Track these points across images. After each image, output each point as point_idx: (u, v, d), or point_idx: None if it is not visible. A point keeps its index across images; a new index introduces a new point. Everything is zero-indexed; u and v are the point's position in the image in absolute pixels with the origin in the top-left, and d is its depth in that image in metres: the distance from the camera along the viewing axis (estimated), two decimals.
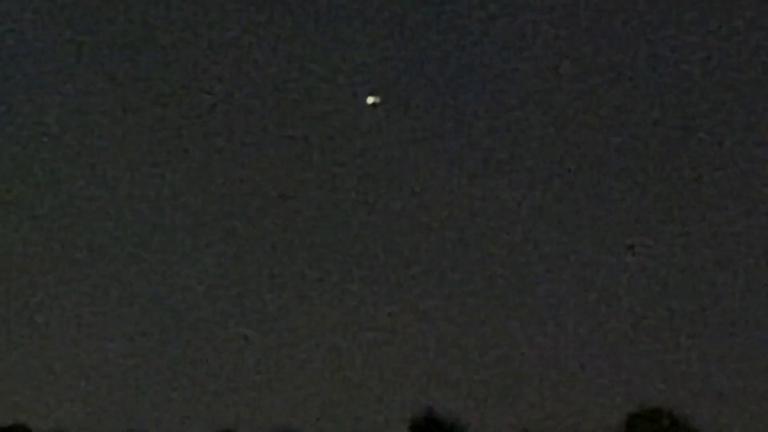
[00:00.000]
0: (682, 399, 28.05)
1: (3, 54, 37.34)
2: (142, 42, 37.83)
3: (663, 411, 27.38)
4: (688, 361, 31.07)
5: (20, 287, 34.13)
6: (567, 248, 34.60)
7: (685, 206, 34.95)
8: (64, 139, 37.05)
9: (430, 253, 34.94)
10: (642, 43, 36.90)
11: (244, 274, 34.96)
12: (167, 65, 37.56)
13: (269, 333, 33.25)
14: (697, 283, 33.27)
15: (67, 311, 33.74)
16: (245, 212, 36.12)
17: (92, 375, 31.98)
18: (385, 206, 35.64)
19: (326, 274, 34.48)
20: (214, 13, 37.63)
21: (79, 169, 36.66)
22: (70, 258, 35.05)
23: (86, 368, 32.17)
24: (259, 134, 37.03)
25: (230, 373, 32.08)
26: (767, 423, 28.46)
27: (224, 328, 33.36)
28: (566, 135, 36.38)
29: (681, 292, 33.22)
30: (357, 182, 36.00)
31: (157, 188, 36.29)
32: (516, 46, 37.15)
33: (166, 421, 29.64)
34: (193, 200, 36.37)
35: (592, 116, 36.48)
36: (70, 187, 36.34)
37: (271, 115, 37.05)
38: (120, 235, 35.54)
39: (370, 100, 34.98)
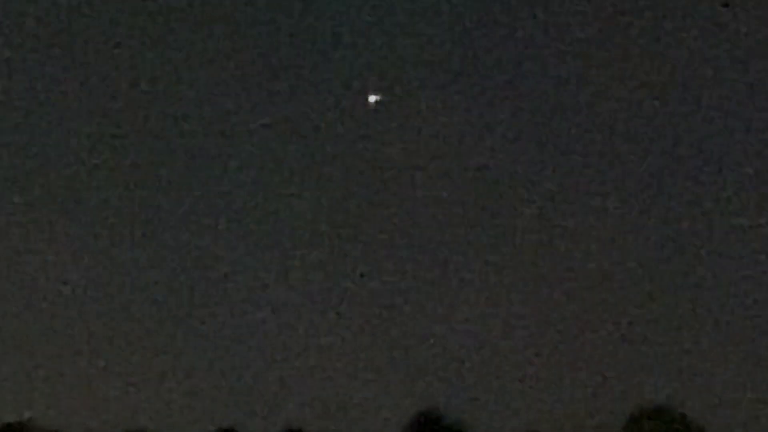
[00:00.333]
0: (686, 398, 28.06)
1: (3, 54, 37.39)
2: (141, 42, 37.87)
3: (667, 410, 27.39)
4: (691, 360, 31.11)
5: (21, 286, 34.18)
6: (568, 248, 34.66)
7: (685, 207, 35.05)
8: (64, 138, 37.09)
9: (431, 252, 35.00)
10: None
11: (245, 273, 35.00)
12: (163, 64, 37.62)
13: (270, 332, 33.29)
14: (699, 280, 33.37)
15: (67, 310, 33.77)
16: (247, 210, 36.16)
17: (92, 374, 31.98)
18: (387, 204, 35.69)
19: (327, 272, 34.53)
20: (215, 13, 37.68)
21: (81, 167, 36.71)
22: (71, 256, 35.06)
23: (86, 367, 32.18)
24: (260, 133, 37.11)
25: (231, 371, 32.10)
26: None
27: (225, 327, 33.41)
28: (571, 133, 36.47)
29: (682, 291, 33.28)
30: (358, 181, 36.06)
31: (155, 186, 36.33)
32: (521, 45, 37.25)
33: (166, 420, 29.63)
34: (194, 199, 36.39)
35: (596, 115, 36.57)
36: (72, 184, 36.38)
37: (271, 114, 37.11)
38: (120, 234, 35.55)
39: (372, 98, 35.07)
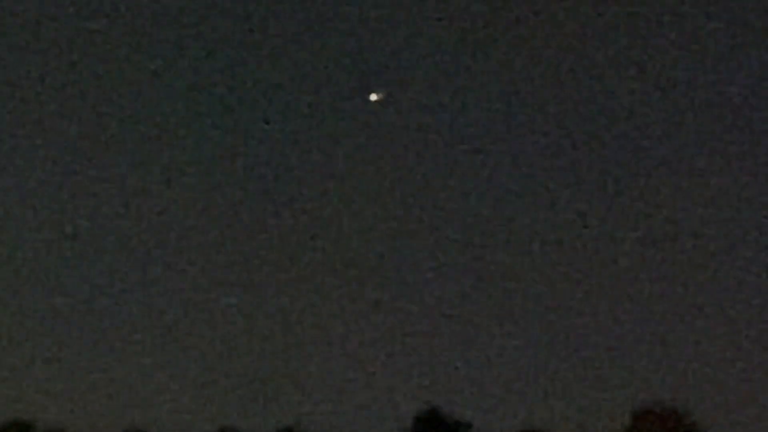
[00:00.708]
0: (687, 397, 28.06)
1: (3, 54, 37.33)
2: (142, 42, 37.81)
3: (668, 409, 27.37)
4: (692, 360, 31.12)
5: (23, 287, 34.10)
6: (570, 248, 34.66)
7: (685, 207, 35.06)
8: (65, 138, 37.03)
9: (434, 253, 34.97)
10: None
11: (247, 273, 34.94)
12: (166, 66, 37.58)
13: (272, 332, 33.23)
14: (700, 280, 33.39)
15: (69, 310, 33.70)
16: (247, 212, 36.09)
17: (94, 373, 31.92)
18: (388, 204, 35.67)
19: (330, 273, 34.48)
20: (217, 13, 37.65)
21: (84, 169, 36.65)
22: (73, 258, 35.00)
23: (88, 367, 32.11)
24: (260, 132, 37.05)
25: (233, 371, 32.02)
26: None
27: (226, 327, 33.35)
28: (569, 135, 36.48)
29: (682, 291, 33.30)
30: (358, 181, 36.03)
31: (158, 189, 36.28)
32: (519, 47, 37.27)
33: (166, 420, 29.55)
34: (194, 200, 36.33)
35: (595, 116, 36.60)
36: (73, 186, 36.33)
37: (272, 113, 37.06)
38: (122, 236, 35.49)
39: (374, 97, 35.03)
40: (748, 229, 34.44)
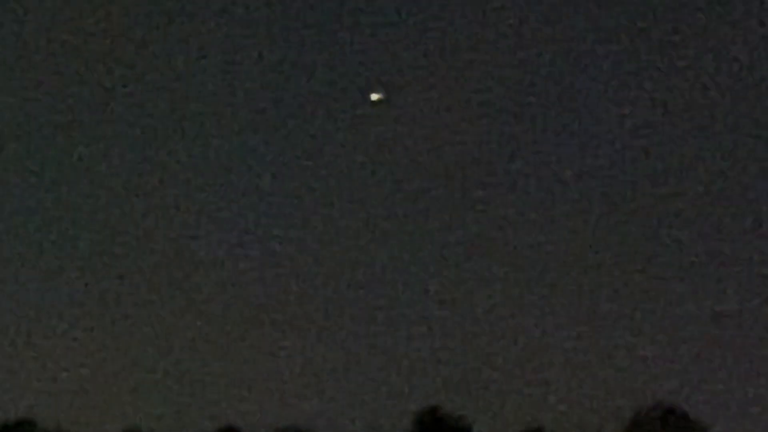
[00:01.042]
0: (688, 396, 28.06)
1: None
2: (142, 42, 37.83)
3: (669, 408, 27.38)
4: (693, 360, 31.12)
5: (25, 286, 34.13)
6: (570, 249, 34.66)
7: (686, 209, 35.07)
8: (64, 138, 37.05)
9: (434, 252, 34.98)
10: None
11: (248, 273, 34.95)
12: (166, 66, 37.58)
13: (274, 332, 33.22)
14: (700, 280, 33.40)
15: (71, 310, 33.69)
16: (248, 211, 36.10)
17: (94, 373, 31.90)
18: (389, 204, 35.68)
19: (330, 272, 34.48)
20: (217, 13, 37.67)
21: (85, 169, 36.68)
22: (74, 258, 35.01)
23: (88, 366, 32.08)
24: (260, 132, 37.07)
25: (234, 370, 32.01)
26: None
27: (226, 327, 33.33)
28: (569, 135, 36.50)
29: (682, 291, 33.32)
30: (358, 180, 36.04)
31: (159, 188, 36.30)
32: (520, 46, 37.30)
33: (166, 420, 29.54)
34: (194, 200, 36.33)
35: (594, 116, 36.62)
36: (74, 187, 36.34)
37: (272, 113, 37.08)
38: (123, 235, 35.50)
39: (374, 97, 35.02)
40: (748, 230, 34.48)
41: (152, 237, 35.60)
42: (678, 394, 28.25)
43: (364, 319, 33.36)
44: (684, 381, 29.75)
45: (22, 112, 37.26)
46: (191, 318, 33.60)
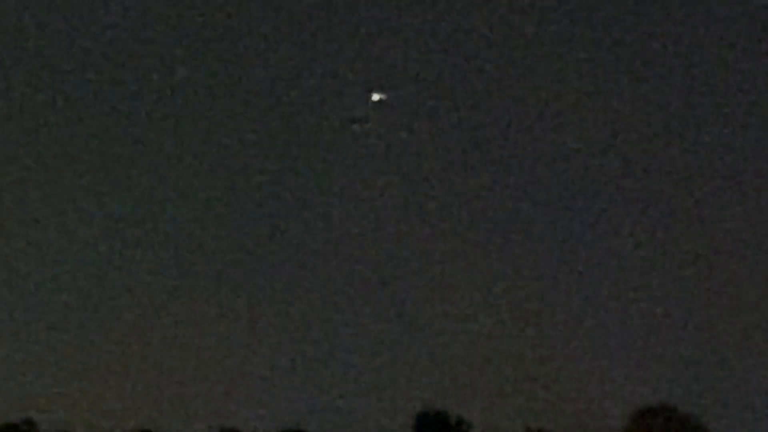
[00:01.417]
0: (687, 396, 28.08)
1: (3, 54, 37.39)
2: (142, 43, 37.85)
3: (669, 408, 27.37)
4: (693, 360, 31.15)
5: (26, 286, 34.17)
6: (571, 249, 34.70)
7: (686, 209, 35.09)
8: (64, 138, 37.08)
9: (435, 253, 35.00)
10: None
11: (249, 273, 34.97)
12: (166, 66, 37.61)
13: (273, 332, 33.25)
14: (700, 280, 33.42)
15: (71, 311, 33.74)
16: (249, 211, 36.14)
17: (96, 373, 31.95)
18: (390, 204, 35.70)
19: (332, 274, 34.51)
20: (218, 13, 37.69)
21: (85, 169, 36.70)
22: (74, 258, 35.04)
23: (90, 367, 32.13)
24: (261, 131, 37.11)
25: (235, 371, 32.06)
26: None
27: (227, 327, 33.36)
28: (570, 136, 36.52)
29: (683, 291, 33.34)
30: (358, 180, 36.07)
31: (159, 189, 36.33)
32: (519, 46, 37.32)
33: (166, 420, 29.58)
34: (194, 201, 36.36)
35: (595, 117, 36.64)
36: (74, 187, 36.38)
37: (273, 112, 37.11)
38: (123, 236, 35.53)
39: (374, 97, 35.05)
40: (748, 230, 34.50)
41: (152, 237, 35.65)
42: (678, 394, 28.30)
43: (365, 320, 33.42)
44: (684, 381, 29.83)
45: (22, 111, 37.25)
46: (191, 319, 33.68)
